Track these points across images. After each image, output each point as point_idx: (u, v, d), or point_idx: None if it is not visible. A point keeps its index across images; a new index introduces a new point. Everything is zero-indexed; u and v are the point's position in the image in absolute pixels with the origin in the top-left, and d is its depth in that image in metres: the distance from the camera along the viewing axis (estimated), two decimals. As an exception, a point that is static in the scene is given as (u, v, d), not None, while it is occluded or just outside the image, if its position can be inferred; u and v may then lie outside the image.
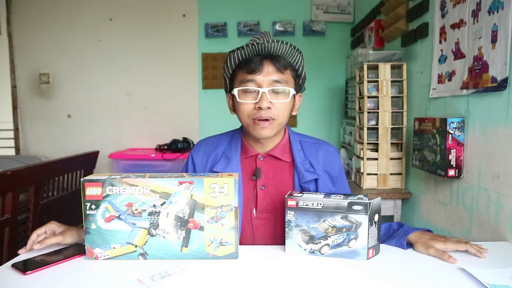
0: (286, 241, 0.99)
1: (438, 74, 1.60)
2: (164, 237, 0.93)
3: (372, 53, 2.09)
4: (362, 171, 1.97)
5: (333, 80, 3.15)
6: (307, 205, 0.95)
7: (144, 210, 0.92)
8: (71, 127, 3.33)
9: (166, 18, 3.20)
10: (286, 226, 0.98)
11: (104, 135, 3.30)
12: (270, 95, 1.03)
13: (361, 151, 1.97)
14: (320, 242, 0.95)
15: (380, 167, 1.95)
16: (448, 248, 0.97)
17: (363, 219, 0.92)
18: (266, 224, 1.12)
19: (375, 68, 1.94)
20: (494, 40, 1.22)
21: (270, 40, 1.00)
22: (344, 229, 0.93)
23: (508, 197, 1.17)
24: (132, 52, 3.23)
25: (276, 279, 0.85)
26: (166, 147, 3.02)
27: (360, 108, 2.06)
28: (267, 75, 1.03)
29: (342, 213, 0.93)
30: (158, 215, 0.93)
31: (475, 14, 1.33)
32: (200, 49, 3.20)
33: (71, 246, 1.01)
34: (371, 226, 0.93)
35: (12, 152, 3.57)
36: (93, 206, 0.92)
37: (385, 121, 1.93)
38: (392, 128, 1.94)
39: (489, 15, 1.24)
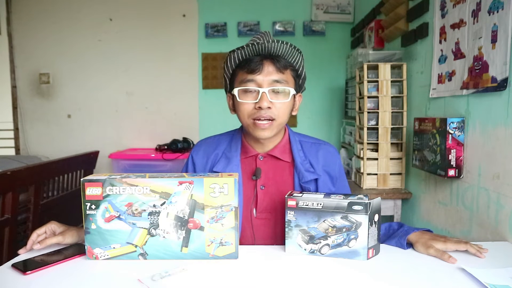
0: (286, 241, 0.99)
1: (438, 74, 1.60)
2: (164, 237, 0.93)
3: (372, 53, 2.09)
4: (362, 171, 1.97)
5: (333, 80, 3.15)
6: (307, 205, 0.95)
7: (144, 210, 0.92)
8: (71, 127, 3.33)
9: (166, 18, 3.20)
10: (286, 226, 0.98)
11: (104, 135, 3.30)
12: (270, 95, 1.04)
13: (361, 151, 1.97)
14: (320, 242, 0.95)
15: (380, 167, 1.95)
16: (448, 248, 0.97)
17: (363, 219, 0.92)
18: (266, 224, 1.12)
19: (375, 68, 1.94)
20: (494, 40, 1.22)
21: (270, 40, 1.00)
22: (344, 229, 0.93)
23: (508, 197, 1.17)
24: (132, 52, 3.23)
25: (276, 279, 0.85)
26: (166, 147, 3.02)
27: (360, 108, 2.06)
28: (267, 75, 1.03)
29: (342, 213, 0.93)
30: (158, 215, 0.93)
31: (475, 14, 1.33)
32: (200, 49, 3.20)
33: (71, 246, 1.01)
34: (371, 226, 0.93)
35: (12, 152, 3.57)
36: (93, 206, 0.92)
37: (385, 121, 1.93)
38: (392, 128, 1.94)
39: (489, 15, 1.24)
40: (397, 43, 2.11)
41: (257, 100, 1.03)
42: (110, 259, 0.94)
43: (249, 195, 1.12)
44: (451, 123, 1.41)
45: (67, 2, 3.23)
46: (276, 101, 1.04)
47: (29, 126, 3.35)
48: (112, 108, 3.30)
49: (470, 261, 0.93)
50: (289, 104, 1.07)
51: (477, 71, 1.32)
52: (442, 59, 1.57)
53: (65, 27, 3.25)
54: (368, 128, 1.95)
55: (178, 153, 2.93)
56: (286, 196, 0.98)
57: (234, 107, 1.11)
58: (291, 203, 0.97)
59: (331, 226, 0.94)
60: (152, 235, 0.93)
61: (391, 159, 1.95)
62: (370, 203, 0.92)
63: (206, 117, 3.26)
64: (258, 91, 1.03)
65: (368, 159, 1.96)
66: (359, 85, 2.07)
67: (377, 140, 1.95)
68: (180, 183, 0.91)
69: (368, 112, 1.95)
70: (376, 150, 1.97)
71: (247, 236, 1.12)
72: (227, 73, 1.13)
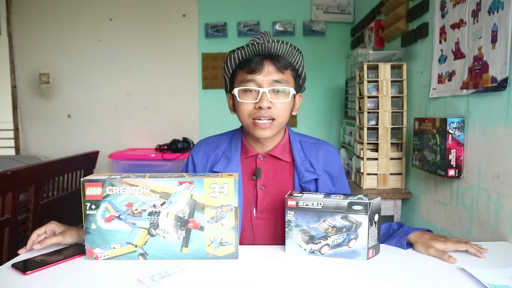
0: (286, 241, 0.99)
1: (438, 74, 1.60)
2: (164, 237, 0.93)
3: (372, 53, 2.09)
4: (362, 171, 1.97)
5: (333, 80, 3.15)
6: (307, 205, 0.95)
7: (144, 210, 0.92)
8: (71, 127, 3.33)
9: (166, 18, 3.20)
10: (286, 226, 0.98)
11: (104, 135, 3.30)
12: (270, 95, 1.04)
13: (361, 151, 1.97)
14: (320, 242, 0.95)
15: (380, 167, 1.95)
16: (448, 248, 0.97)
17: (363, 219, 0.92)
18: (266, 224, 1.12)
19: (375, 68, 1.94)
20: (494, 40, 1.22)
21: (271, 40, 1.00)
22: (344, 229, 0.93)
23: (508, 197, 1.17)
24: (132, 52, 3.23)
25: (276, 279, 0.85)
26: (166, 147, 3.02)
27: (360, 108, 2.06)
28: (267, 75, 1.03)
29: (342, 213, 0.93)
30: (158, 215, 0.93)
31: (475, 14, 1.33)
32: (200, 49, 3.20)
33: (71, 246, 1.01)
34: (371, 226, 0.93)
35: (12, 152, 3.57)
36: (93, 206, 0.92)
37: (385, 121, 1.93)
38: (392, 128, 1.94)
39: (489, 15, 1.24)
40: (397, 43, 2.11)
41: (257, 100, 1.03)
42: (110, 259, 0.94)
43: (249, 195, 1.12)
44: (451, 123, 1.41)
45: (67, 2, 3.23)
46: (276, 101, 1.04)
47: (29, 126, 3.35)
48: (112, 108, 3.30)
49: (470, 261, 0.93)
50: (289, 104, 1.07)
51: (477, 71, 1.32)
52: (442, 59, 1.57)
53: (65, 27, 3.25)
54: (368, 128, 1.95)
55: (178, 153, 2.93)
56: (286, 196, 0.98)
57: (234, 107, 1.11)
58: (291, 203, 0.97)
59: (331, 226, 0.94)
60: (152, 235, 0.93)
61: (391, 159, 1.95)
62: (370, 203, 0.92)
63: (206, 117, 3.26)
64: (258, 91, 1.03)
65: (368, 159, 1.96)
66: (359, 85, 2.07)
67: (377, 140, 1.95)
68: (180, 183, 0.91)
69: (368, 112, 1.95)
70: (376, 150, 1.97)
71: (247, 236, 1.12)
72: (227, 73, 1.13)
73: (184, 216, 0.92)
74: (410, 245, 1.02)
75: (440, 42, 1.59)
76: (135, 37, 3.22)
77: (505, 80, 1.16)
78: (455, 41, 1.47)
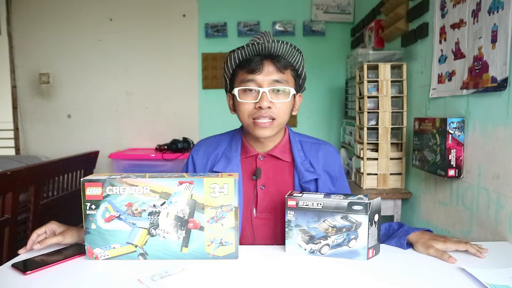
0: (286, 241, 0.99)
1: (438, 74, 1.60)
2: (164, 237, 0.93)
3: (372, 53, 2.09)
4: (362, 171, 1.97)
5: (333, 80, 3.15)
6: (307, 205, 0.95)
7: (144, 210, 0.92)
8: (71, 127, 3.33)
9: (166, 18, 3.20)
10: (286, 226, 0.98)
11: (104, 135, 3.30)
12: (271, 94, 1.04)
13: (361, 151, 1.97)
14: (320, 242, 0.95)
15: (380, 167, 1.95)
16: (448, 248, 0.97)
17: (363, 219, 0.92)
18: (266, 224, 1.12)
19: (375, 68, 1.94)
20: (494, 40, 1.22)
21: (271, 40, 1.00)
22: (344, 229, 0.93)
23: (508, 197, 1.17)
24: (132, 52, 3.23)
25: (276, 279, 0.85)
26: (166, 147, 3.02)
27: (360, 108, 2.06)
28: (268, 75, 1.03)
29: (342, 213, 0.93)
30: (158, 215, 0.93)
31: (475, 14, 1.33)
32: (200, 49, 3.20)
33: (71, 246, 1.01)
34: (371, 226, 0.93)
35: (12, 152, 3.57)
36: (93, 206, 0.92)
37: (385, 121, 1.93)
38: (392, 128, 1.94)
39: (489, 15, 1.24)
40: (397, 43, 2.11)
41: (257, 100, 1.03)
42: (110, 259, 0.94)
43: (249, 195, 1.12)
44: (451, 123, 1.41)
45: (67, 2, 3.23)
46: (276, 101, 1.04)
47: (29, 126, 3.35)
48: (112, 108, 3.30)
49: (470, 261, 0.93)
50: (289, 104, 1.07)
51: (477, 71, 1.32)
52: (442, 59, 1.57)
53: (65, 27, 3.25)
54: (368, 128, 1.95)
55: (178, 153, 2.93)
56: (286, 196, 0.98)
57: (234, 107, 1.11)
58: (291, 203, 0.97)
59: (331, 226, 0.94)
60: (152, 235, 0.93)
61: (391, 159, 1.95)
62: (370, 203, 0.92)
63: (206, 117, 3.26)
64: (258, 91, 1.03)
65: (368, 159, 1.96)
66: (359, 85, 2.07)
67: (377, 140, 1.95)
68: (180, 183, 0.91)
69: (368, 112, 1.95)
70: (376, 150, 1.97)
71: (247, 236, 1.12)
72: (227, 73, 1.13)
73: (184, 216, 0.92)
74: (410, 245, 1.02)
75: (440, 42, 1.59)
76: (135, 37, 3.22)
77: (505, 80, 1.16)
78: (455, 41, 1.47)
